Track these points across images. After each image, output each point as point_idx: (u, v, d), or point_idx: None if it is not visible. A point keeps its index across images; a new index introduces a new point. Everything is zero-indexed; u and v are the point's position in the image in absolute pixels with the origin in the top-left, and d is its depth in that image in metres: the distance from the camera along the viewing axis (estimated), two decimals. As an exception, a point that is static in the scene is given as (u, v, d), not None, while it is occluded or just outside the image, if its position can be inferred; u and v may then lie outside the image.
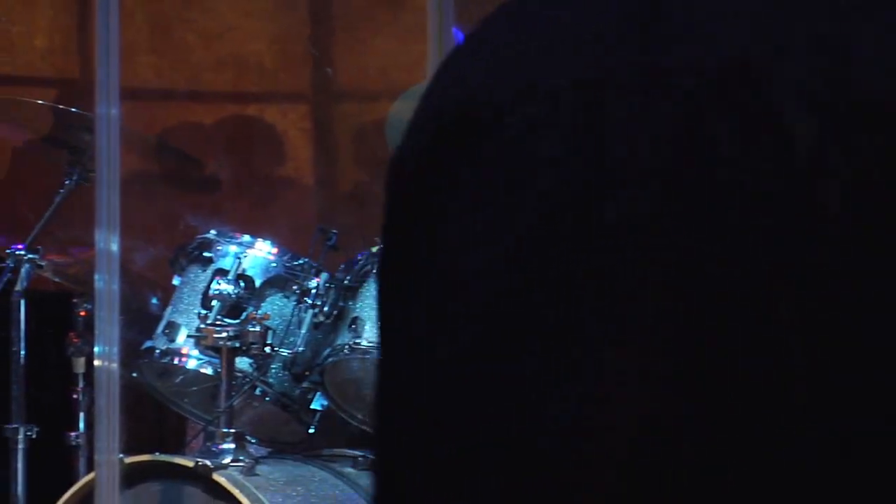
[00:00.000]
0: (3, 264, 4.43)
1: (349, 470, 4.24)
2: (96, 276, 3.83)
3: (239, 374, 4.18)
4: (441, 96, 1.37)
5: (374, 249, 4.23)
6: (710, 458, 1.22)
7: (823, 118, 1.21)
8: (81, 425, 4.40)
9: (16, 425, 4.39)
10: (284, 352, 4.25)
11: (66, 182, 4.53)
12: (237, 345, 4.11)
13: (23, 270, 4.37)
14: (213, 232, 4.37)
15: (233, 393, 4.14)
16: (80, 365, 4.39)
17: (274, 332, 4.20)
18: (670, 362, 1.21)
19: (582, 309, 1.22)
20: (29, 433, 4.39)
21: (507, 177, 1.29)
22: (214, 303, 4.20)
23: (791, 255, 1.20)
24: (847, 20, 1.30)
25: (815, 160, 1.20)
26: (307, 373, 4.30)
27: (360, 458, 4.28)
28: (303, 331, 4.28)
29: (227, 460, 3.99)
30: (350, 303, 4.26)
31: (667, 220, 1.23)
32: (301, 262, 4.33)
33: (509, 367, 1.24)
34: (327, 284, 4.30)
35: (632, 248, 1.23)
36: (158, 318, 4.37)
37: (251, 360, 4.20)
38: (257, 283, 4.28)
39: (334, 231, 4.50)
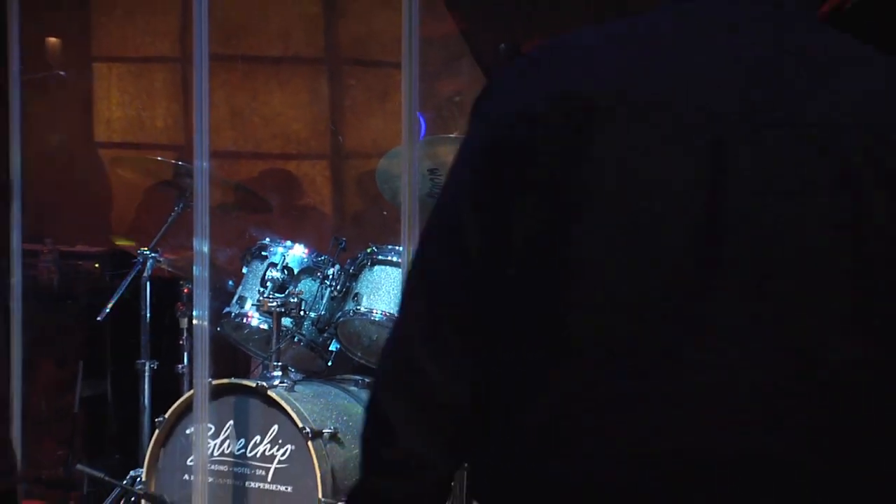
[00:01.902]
0: (135, 260, 4.39)
1: (353, 388, 4.21)
2: (194, 268, 3.84)
3: (283, 329, 4.12)
4: (553, 89, 1.25)
5: (368, 250, 4.14)
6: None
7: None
8: (185, 360, 4.38)
9: (143, 360, 4.37)
10: (312, 314, 4.21)
11: (175, 208, 4.48)
12: (282, 310, 4.06)
13: (148, 264, 4.35)
14: (267, 239, 4.32)
15: (279, 340, 4.09)
16: (184, 323, 4.36)
17: (305, 302, 4.15)
18: None
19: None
20: (152, 366, 4.38)
21: (645, 161, 1.21)
22: (268, 284, 4.16)
23: None
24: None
25: None
26: (326, 327, 4.24)
27: (360, 381, 4.25)
28: (324, 301, 4.23)
29: (276, 382, 3.95)
30: (353, 283, 4.18)
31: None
32: (323, 258, 4.27)
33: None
34: (339, 272, 4.25)
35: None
36: (233, 294, 4.33)
37: (291, 320, 4.14)
38: (295, 271, 4.21)
39: (344, 239, 4.46)
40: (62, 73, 5.85)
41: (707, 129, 1.20)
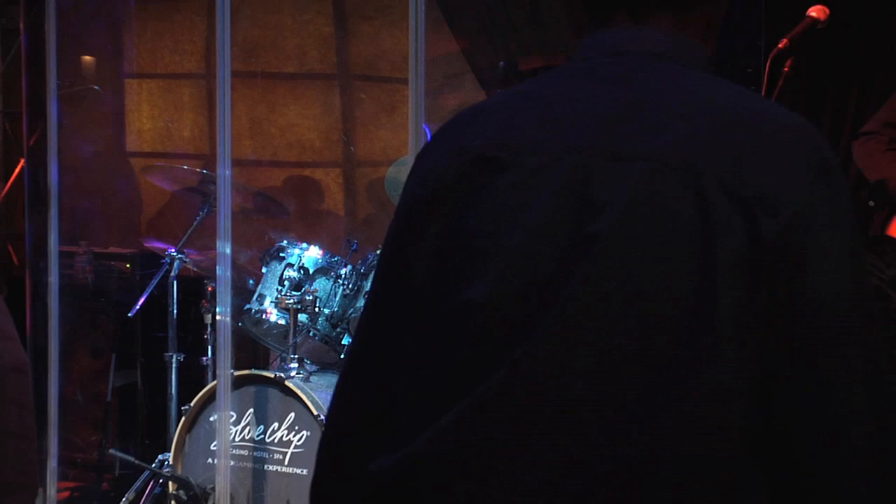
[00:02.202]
0: (164, 260, 4.40)
1: None
2: (217, 267, 3.83)
3: (300, 324, 4.14)
4: (454, 147, 1.30)
5: (378, 251, 4.13)
6: None
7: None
8: (209, 353, 4.36)
9: (171, 353, 4.37)
10: (326, 311, 4.20)
11: (200, 213, 4.48)
12: (299, 307, 4.08)
13: (175, 264, 4.36)
14: (285, 241, 4.31)
15: (296, 335, 4.10)
16: (208, 318, 4.34)
17: (320, 299, 4.15)
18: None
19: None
20: (179, 358, 4.37)
21: (519, 199, 1.24)
22: (286, 282, 4.17)
23: None
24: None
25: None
26: (339, 323, 4.24)
27: None
28: (337, 298, 4.22)
29: (293, 373, 3.97)
30: (364, 282, 4.20)
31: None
32: (336, 259, 4.27)
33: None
34: (351, 272, 4.25)
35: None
36: (253, 292, 4.33)
37: (307, 316, 4.15)
38: (311, 271, 4.22)
39: (356, 241, 4.48)
40: (96, 87, 5.87)
41: (570, 165, 1.22)
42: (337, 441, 1.39)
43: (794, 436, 1.15)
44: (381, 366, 1.33)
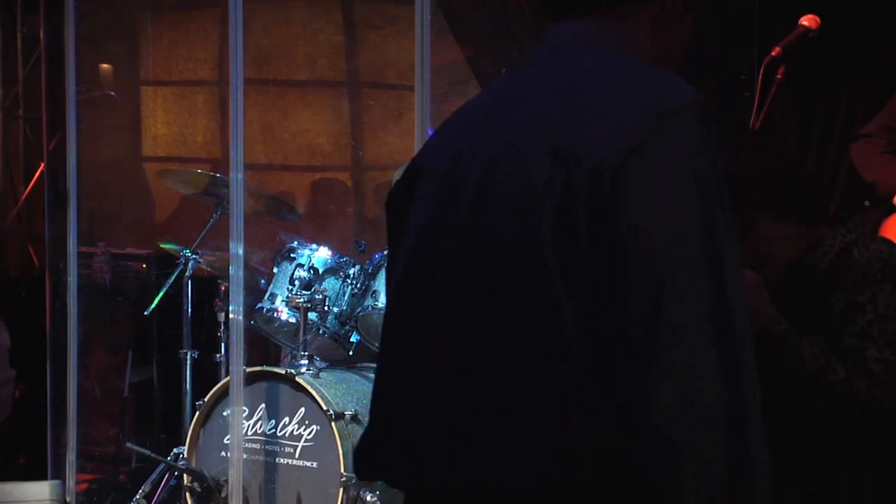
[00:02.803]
0: (178, 261, 4.39)
1: (372, 375, 4.11)
2: (230, 268, 3.82)
3: (310, 322, 4.12)
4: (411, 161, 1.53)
5: (385, 252, 4.05)
6: None
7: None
8: (222, 350, 4.35)
9: (186, 350, 4.38)
10: (335, 309, 4.19)
11: (214, 215, 4.48)
12: (309, 305, 4.07)
13: (190, 264, 4.36)
14: (295, 242, 4.30)
15: (306, 332, 4.09)
16: (221, 317, 4.33)
17: (329, 298, 4.14)
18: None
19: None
20: (193, 355, 4.38)
21: (421, 201, 1.45)
22: (296, 282, 4.16)
23: None
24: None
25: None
26: (348, 321, 4.23)
27: None
28: (346, 297, 4.21)
29: (303, 370, 3.94)
30: (372, 282, 4.16)
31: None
32: (345, 259, 4.25)
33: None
34: (359, 272, 4.23)
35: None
36: (265, 291, 4.31)
37: (317, 314, 4.13)
38: (321, 271, 4.21)
39: (364, 242, 4.47)
40: (113, 93, 5.87)
41: (449, 164, 1.41)
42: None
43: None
44: None
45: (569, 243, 1.25)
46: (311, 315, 4.14)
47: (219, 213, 4.46)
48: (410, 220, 1.44)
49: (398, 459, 1.41)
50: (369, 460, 1.48)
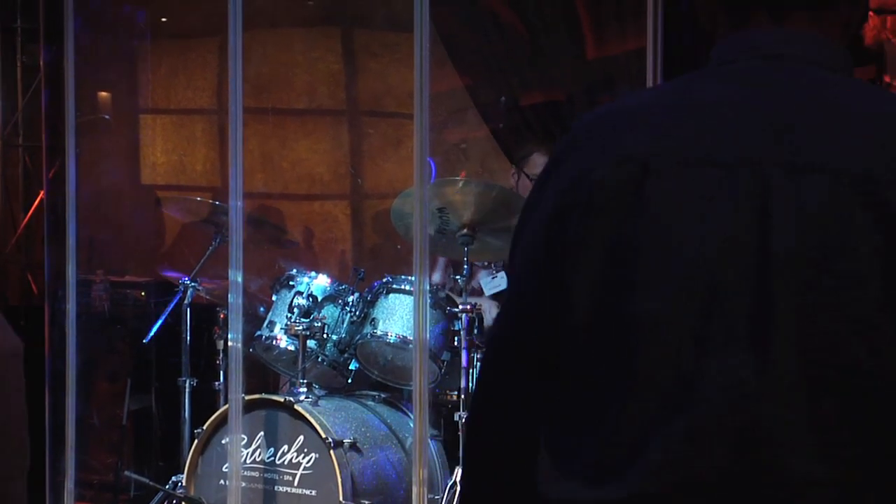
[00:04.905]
0: (177, 289, 4.39)
1: (371, 403, 4.20)
2: (229, 295, 3.81)
3: (308, 350, 4.10)
4: (612, 154, 1.25)
5: (384, 280, 4.13)
6: None
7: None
8: (221, 378, 4.33)
9: (185, 378, 4.37)
10: (334, 337, 4.17)
11: (213, 243, 4.48)
12: (308, 333, 4.05)
13: (189, 292, 4.35)
14: (294, 270, 4.28)
15: (305, 360, 4.08)
16: (220, 344, 4.31)
17: (328, 326, 4.12)
18: None
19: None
20: (192, 383, 4.37)
21: (693, 210, 1.21)
22: (295, 310, 4.14)
23: None
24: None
25: None
26: (347, 349, 4.21)
27: (377, 396, 4.24)
28: (344, 325, 4.19)
29: (302, 397, 3.94)
30: (371, 309, 4.14)
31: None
32: (344, 287, 4.24)
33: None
34: (358, 299, 4.21)
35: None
36: (264, 319, 4.30)
37: (316, 342, 4.12)
38: (319, 298, 4.19)
39: (362, 270, 4.44)
40: (106, 116, 5.89)
41: (746, 177, 1.20)
42: (497, 458, 1.34)
43: None
44: (534, 376, 1.31)
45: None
46: (310, 343, 4.12)
47: (218, 240, 4.46)
48: (674, 227, 1.21)
49: None
50: None
